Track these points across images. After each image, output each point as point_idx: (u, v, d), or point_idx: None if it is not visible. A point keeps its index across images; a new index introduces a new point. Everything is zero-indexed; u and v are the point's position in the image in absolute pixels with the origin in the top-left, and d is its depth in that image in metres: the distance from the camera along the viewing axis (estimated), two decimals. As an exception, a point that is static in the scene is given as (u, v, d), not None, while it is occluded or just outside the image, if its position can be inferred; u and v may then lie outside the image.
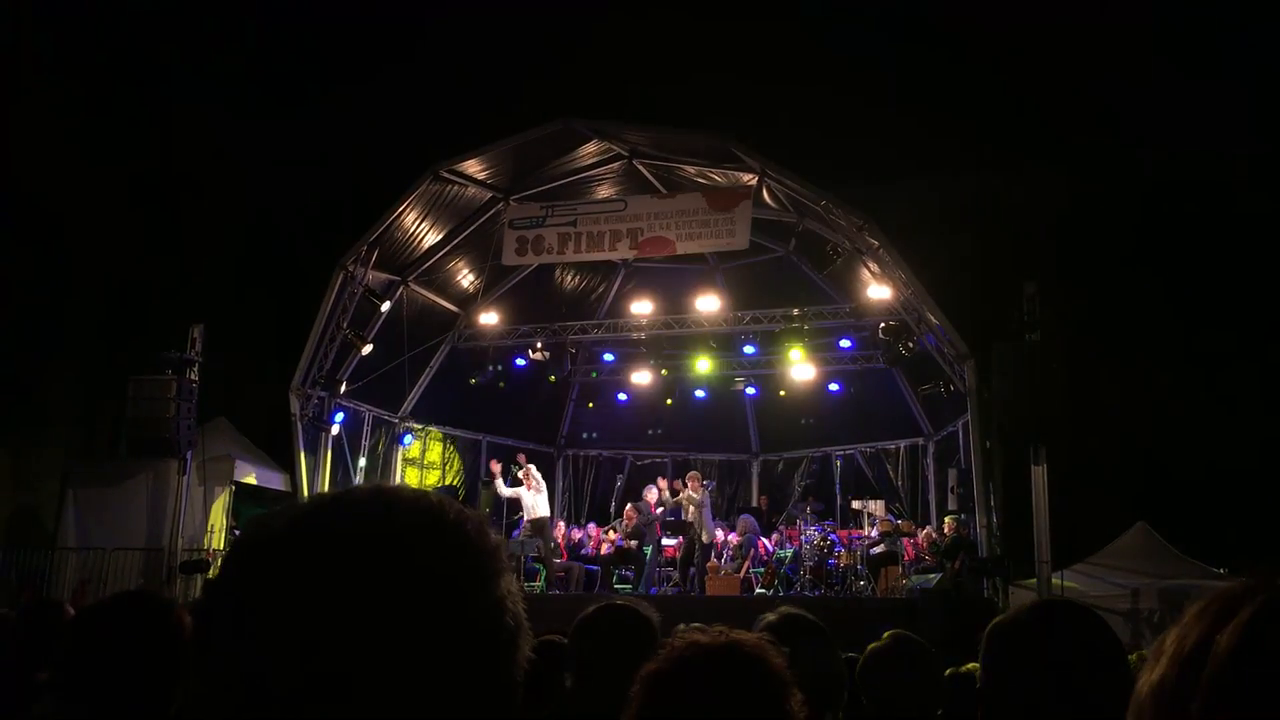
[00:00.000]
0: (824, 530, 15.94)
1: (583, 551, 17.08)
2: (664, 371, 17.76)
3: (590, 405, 20.50)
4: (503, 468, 16.61)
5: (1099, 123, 27.01)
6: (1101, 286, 21.98)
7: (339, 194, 23.28)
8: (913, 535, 15.80)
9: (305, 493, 15.66)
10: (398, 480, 17.76)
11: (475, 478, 19.43)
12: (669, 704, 1.69)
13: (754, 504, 19.56)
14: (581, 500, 20.79)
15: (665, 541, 16.65)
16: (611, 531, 16.77)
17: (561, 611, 6.92)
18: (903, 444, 18.86)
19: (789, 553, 16.15)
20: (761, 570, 15.96)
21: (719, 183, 16.01)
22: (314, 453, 16.35)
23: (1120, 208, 23.26)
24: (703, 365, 17.75)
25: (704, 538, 15.53)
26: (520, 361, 17.96)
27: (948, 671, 4.06)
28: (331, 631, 0.87)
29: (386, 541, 0.92)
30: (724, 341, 17.89)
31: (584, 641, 2.90)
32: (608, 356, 19.41)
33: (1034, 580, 12.65)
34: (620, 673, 1.84)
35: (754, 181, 15.48)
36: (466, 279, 18.21)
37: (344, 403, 16.81)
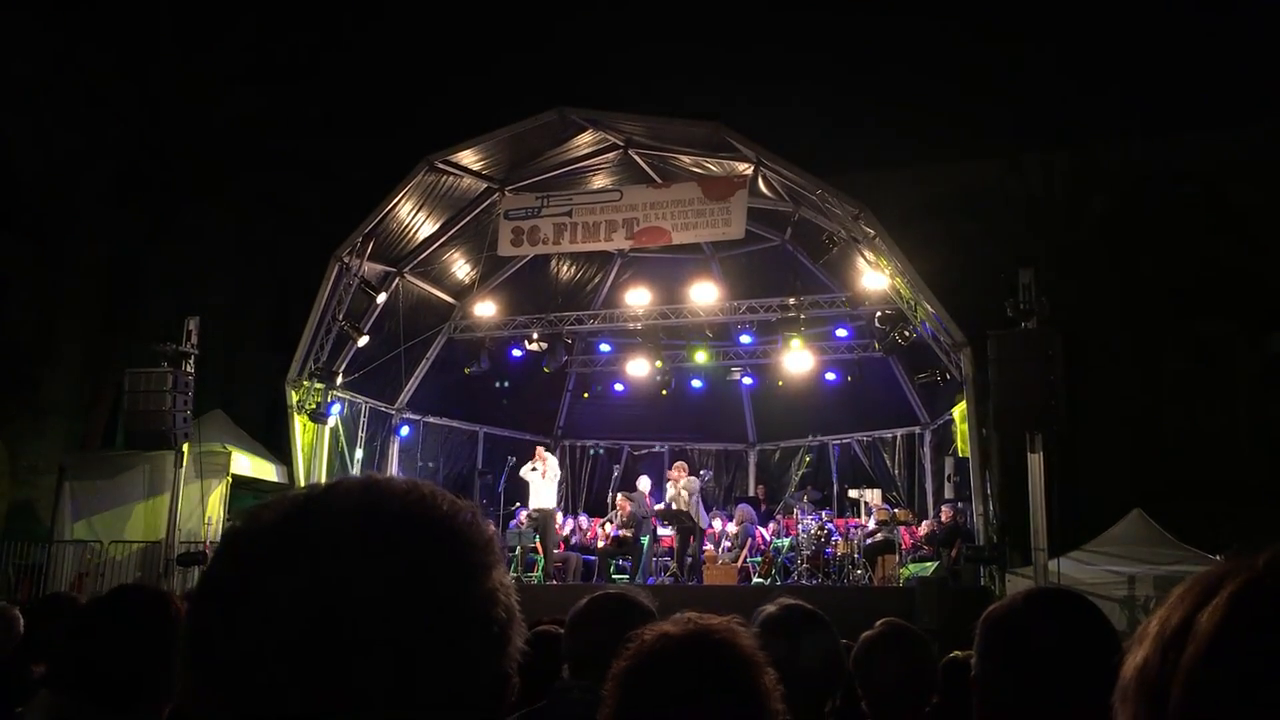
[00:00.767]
0: (821, 519, 15.95)
1: (574, 541, 17.10)
2: (658, 363, 17.74)
3: (586, 395, 20.49)
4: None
5: (1094, 111, 27.01)
6: (1098, 274, 22.00)
7: (334, 185, 23.25)
8: (909, 524, 15.82)
9: (301, 484, 15.65)
10: (393, 471, 17.78)
11: (472, 468, 19.43)
12: (645, 699, 1.68)
13: (751, 493, 19.58)
14: (579, 490, 20.80)
15: (662, 531, 16.68)
16: (608, 524, 16.78)
17: (558, 602, 6.93)
18: (899, 433, 18.88)
19: (786, 542, 16.16)
20: (759, 560, 15.97)
21: (714, 172, 15.98)
22: (310, 445, 16.32)
23: (1116, 196, 23.26)
24: (699, 355, 17.75)
25: (700, 524, 15.56)
26: (516, 352, 17.95)
27: (944, 659, 4.07)
28: (323, 623, 0.87)
29: (378, 533, 0.92)
30: (720, 331, 17.86)
31: (580, 631, 2.90)
32: (604, 347, 19.40)
33: (1030, 568, 12.67)
34: (604, 655, 1.83)
35: (749, 171, 15.46)
36: (462, 270, 18.19)
37: (340, 394, 16.80)
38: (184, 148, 22.99)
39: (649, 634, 1.75)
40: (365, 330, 16.55)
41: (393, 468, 18.14)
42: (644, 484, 17.19)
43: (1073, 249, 22.23)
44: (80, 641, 2.29)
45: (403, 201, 16.05)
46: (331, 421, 16.56)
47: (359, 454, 17.45)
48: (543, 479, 16.00)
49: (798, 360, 17.06)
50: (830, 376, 18.16)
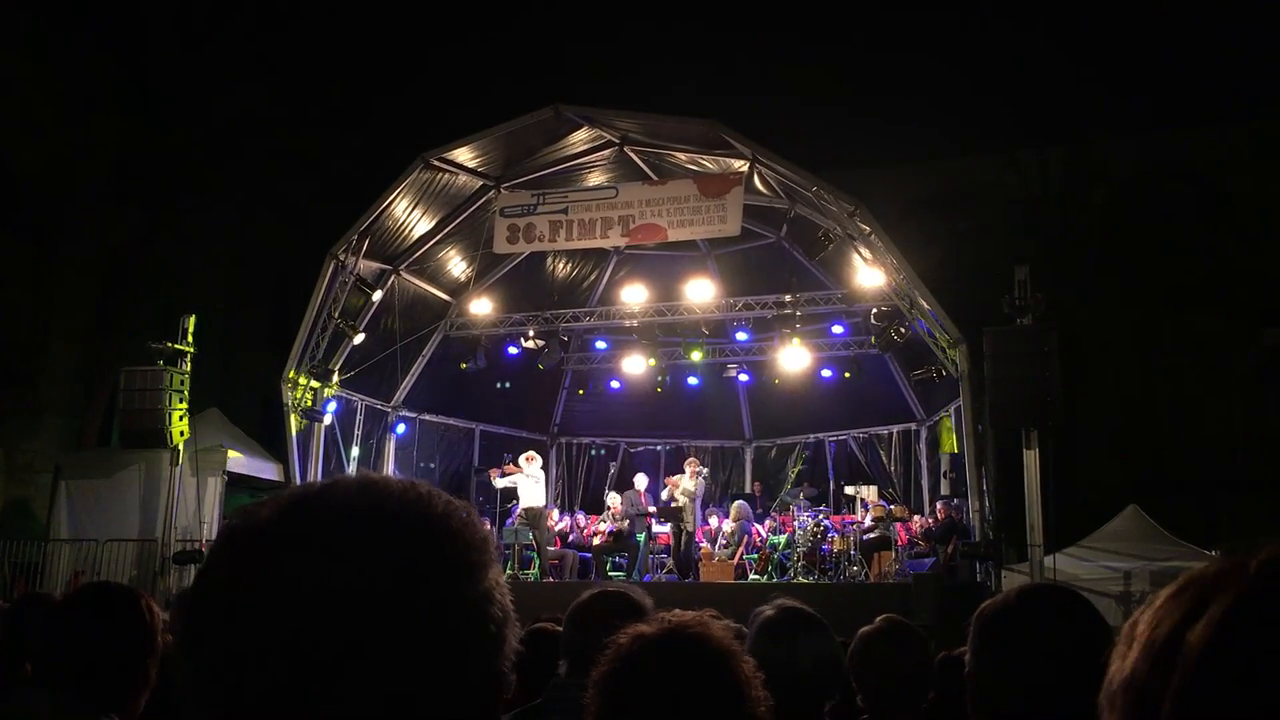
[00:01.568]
0: (817, 516, 15.97)
1: (571, 539, 17.10)
2: (651, 362, 17.74)
3: (581, 393, 20.49)
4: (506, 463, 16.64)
5: (1090, 106, 27.02)
6: (1093, 270, 22.03)
7: (330, 183, 23.23)
8: (906, 520, 15.84)
9: (297, 483, 15.63)
10: (390, 471, 17.78)
11: (468, 466, 19.43)
12: (626, 700, 1.70)
13: (748, 490, 19.60)
14: (575, 488, 20.80)
15: (658, 529, 16.69)
16: (603, 523, 16.78)
17: (555, 599, 6.93)
18: (895, 429, 18.90)
19: (783, 539, 16.18)
20: (755, 556, 15.99)
21: (710, 169, 15.98)
22: (306, 443, 16.31)
23: (1112, 191, 23.28)
24: (695, 355, 17.75)
25: (688, 526, 15.58)
26: (512, 350, 17.94)
27: (940, 655, 4.07)
28: (318, 622, 0.87)
29: (373, 532, 0.92)
30: (717, 328, 17.87)
31: (577, 628, 2.90)
32: (600, 344, 19.40)
33: (1026, 564, 12.70)
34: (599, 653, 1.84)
35: (745, 168, 15.45)
36: (458, 267, 18.18)
37: (336, 392, 16.78)
38: (179, 145, 22.95)
39: (624, 637, 1.77)
40: (361, 328, 16.53)
41: (389, 466, 18.13)
42: (641, 481, 17.19)
43: (1068, 245, 22.26)
44: (55, 638, 2.35)
45: (398, 199, 16.03)
46: (327, 419, 16.55)
47: (355, 451, 17.45)
48: (525, 479, 15.88)
49: (794, 357, 17.06)
50: (826, 373, 18.17)
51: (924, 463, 18.14)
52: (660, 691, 1.69)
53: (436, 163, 15.81)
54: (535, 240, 16.10)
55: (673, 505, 15.73)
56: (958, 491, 15.38)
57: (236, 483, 17.17)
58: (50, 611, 2.66)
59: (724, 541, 16.17)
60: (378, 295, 16.79)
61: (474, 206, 16.98)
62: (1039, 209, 23.59)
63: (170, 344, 15.35)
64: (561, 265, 19.07)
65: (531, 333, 17.42)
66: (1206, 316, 21.57)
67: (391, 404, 18.41)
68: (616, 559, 16.23)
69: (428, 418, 19.20)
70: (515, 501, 16.44)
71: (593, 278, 19.69)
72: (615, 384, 19.67)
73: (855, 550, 15.19)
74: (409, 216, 16.60)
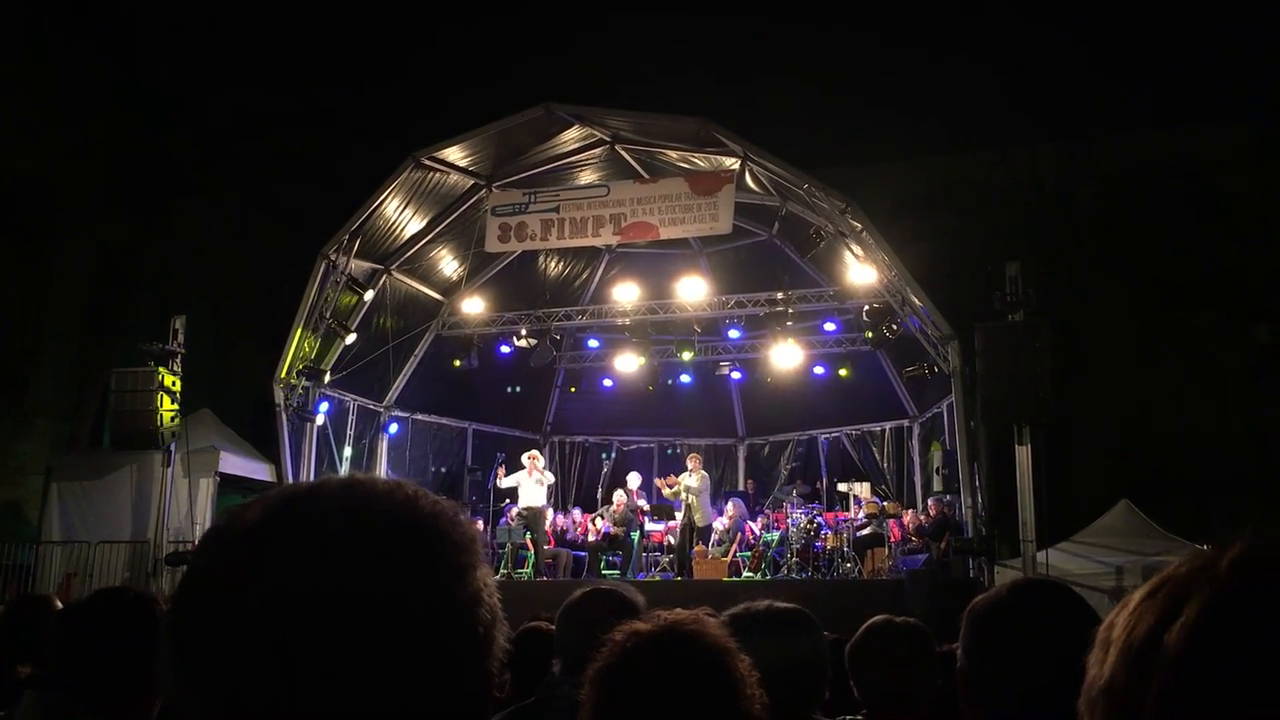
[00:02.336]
0: (810, 513, 15.99)
1: (568, 537, 17.10)
2: (642, 361, 17.72)
3: (574, 390, 20.48)
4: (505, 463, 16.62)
5: (1081, 104, 27.07)
6: (1085, 267, 22.08)
7: (320, 183, 23.19)
8: (899, 517, 15.86)
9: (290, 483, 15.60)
10: (383, 471, 17.75)
11: (461, 465, 19.41)
12: (621, 697, 1.70)
13: (741, 488, 19.60)
14: (568, 486, 20.78)
15: (651, 527, 16.69)
16: (599, 519, 16.78)
17: (549, 598, 6.93)
18: (888, 426, 18.91)
19: (776, 536, 16.19)
20: (749, 554, 16.00)
21: (701, 167, 15.97)
22: (298, 443, 16.28)
23: (1103, 188, 23.33)
24: (685, 354, 17.75)
25: (698, 519, 15.55)
26: (505, 349, 17.92)
27: (942, 649, 4.06)
28: (305, 626, 0.86)
29: (359, 534, 0.91)
30: (709, 326, 17.88)
31: (569, 627, 2.90)
32: (593, 343, 19.39)
33: (1019, 560, 12.72)
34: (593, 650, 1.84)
35: (736, 165, 15.45)
36: (449, 267, 18.15)
37: (328, 392, 16.75)
38: (170, 147, 22.90)
39: (620, 633, 1.77)
40: (353, 328, 16.50)
41: (382, 466, 18.09)
42: (634, 479, 17.19)
43: (1060, 241, 22.31)
44: (68, 643, 2.32)
45: (389, 198, 16.00)
46: (319, 419, 16.51)
47: (347, 452, 17.41)
48: (529, 477, 15.92)
49: (786, 354, 17.08)
50: (819, 370, 18.18)
51: (917, 459, 18.16)
52: (655, 688, 1.69)
53: (427, 162, 15.78)
54: (527, 239, 16.08)
55: (680, 501, 15.73)
56: (950, 488, 15.39)
57: (229, 484, 17.14)
58: (63, 615, 2.64)
59: (718, 539, 16.18)
60: (369, 295, 16.77)
61: (465, 206, 16.96)
62: (1031, 206, 23.64)
63: (161, 345, 15.31)
64: (553, 264, 19.06)
65: (524, 332, 17.39)
66: (1200, 313, 21.63)
67: (384, 404, 18.38)
68: (610, 557, 16.23)
69: (420, 417, 19.17)
70: (509, 501, 16.42)
71: (585, 276, 19.68)
72: (608, 382, 19.67)
73: (848, 547, 15.21)
74: (400, 216, 16.57)
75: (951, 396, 14.96)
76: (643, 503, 16.94)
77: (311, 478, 14.76)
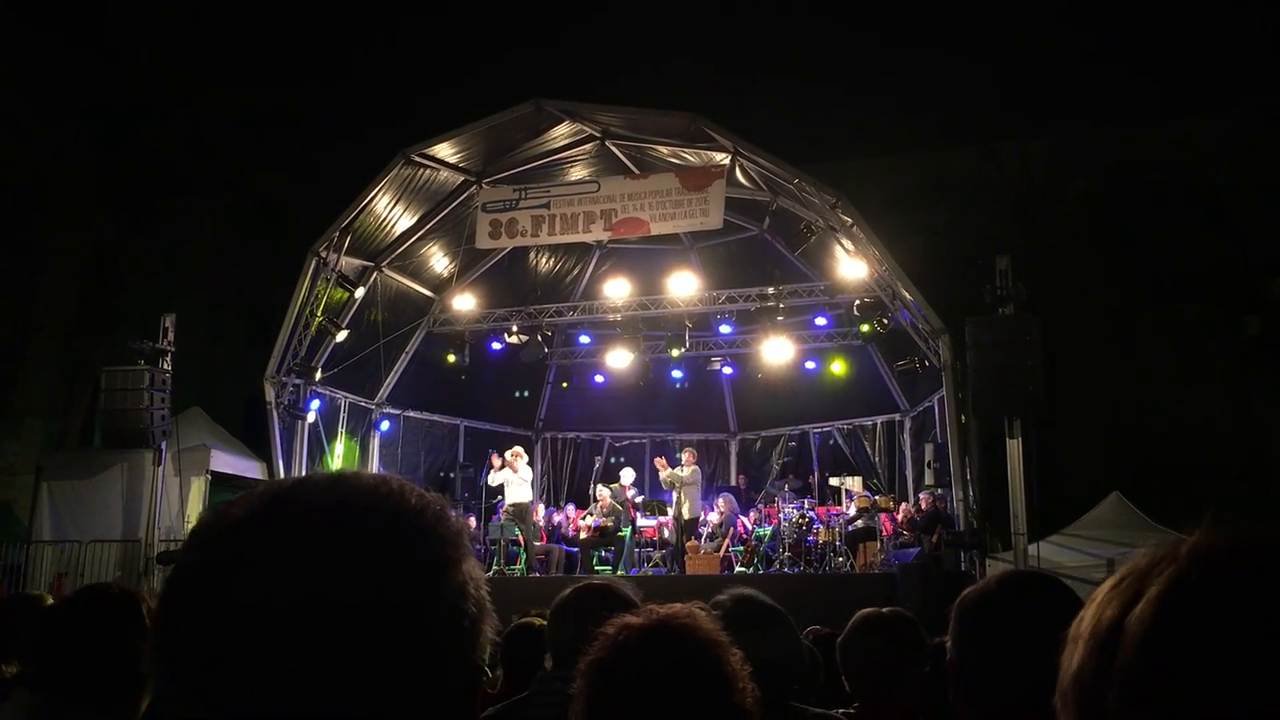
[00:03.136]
0: (802, 507, 16.02)
1: (557, 534, 17.10)
2: (633, 357, 17.73)
3: (565, 385, 20.48)
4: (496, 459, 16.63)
5: (1069, 98, 27.11)
6: (1075, 260, 22.12)
7: (310, 180, 23.14)
8: (890, 510, 15.89)
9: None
10: (374, 466, 17.73)
11: (453, 462, 19.39)
12: (615, 688, 1.70)
13: (733, 483, 19.63)
14: (560, 482, 20.78)
15: (643, 522, 16.70)
16: (590, 516, 16.79)
17: (540, 594, 6.93)
18: (879, 420, 18.94)
19: (768, 530, 16.21)
20: (741, 549, 16.02)
21: (692, 163, 15.97)
22: (290, 441, 16.25)
23: (1093, 181, 23.38)
24: (674, 351, 17.76)
25: (686, 511, 15.57)
26: (496, 345, 17.91)
27: (934, 641, 4.07)
28: (291, 620, 0.86)
29: (346, 528, 0.91)
30: (700, 321, 17.89)
31: (562, 621, 2.90)
32: (584, 339, 19.39)
33: (1011, 553, 12.75)
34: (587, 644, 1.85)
35: (727, 161, 15.45)
36: (440, 263, 18.12)
37: (320, 390, 16.72)
38: (159, 146, 22.82)
39: (612, 626, 1.78)
40: (344, 325, 16.47)
41: (374, 463, 18.07)
42: (627, 475, 17.20)
43: (1050, 235, 22.34)
44: (54, 640, 2.31)
45: (380, 195, 15.96)
46: (311, 417, 16.49)
47: (339, 449, 17.39)
48: (514, 475, 15.94)
49: (777, 349, 17.10)
50: (810, 365, 18.20)
51: (908, 453, 18.20)
52: (648, 680, 1.70)
53: (417, 158, 15.75)
54: (517, 235, 16.07)
55: (671, 494, 15.75)
56: (942, 481, 15.42)
57: (220, 482, 17.09)
58: (48, 613, 2.64)
59: (710, 533, 16.20)
60: (360, 292, 16.74)
61: (455, 202, 16.93)
62: (1020, 199, 23.67)
63: (151, 343, 15.27)
64: (544, 260, 19.05)
65: (515, 328, 17.38)
66: (1188, 305, 21.68)
67: (375, 401, 18.35)
68: (603, 553, 16.24)
69: (412, 414, 19.15)
70: (501, 498, 16.43)
71: (575, 272, 19.68)
72: (599, 378, 19.67)
73: (840, 541, 15.24)
74: (390, 213, 16.53)
75: (942, 390, 14.99)
76: (637, 497, 16.95)
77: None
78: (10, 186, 21.60)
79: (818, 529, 15.67)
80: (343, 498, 0.94)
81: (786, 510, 15.86)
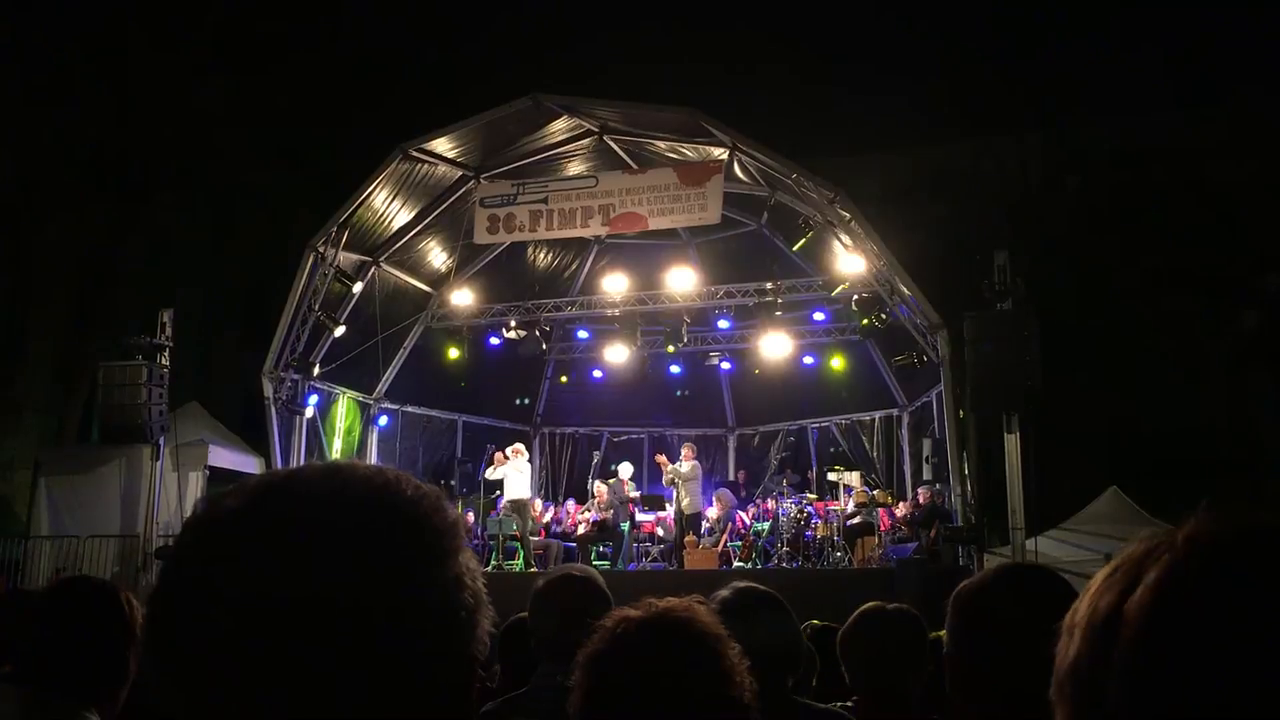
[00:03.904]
0: (801, 502, 16.02)
1: (556, 529, 17.11)
2: (629, 352, 17.72)
3: (564, 380, 20.48)
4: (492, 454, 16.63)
5: (1066, 93, 27.10)
6: (1072, 254, 22.12)
7: (308, 175, 23.11)
8: (888, 505, 15.90)
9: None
10: (373, 461, 17.70)
11: (451, 457, 19.39)
12: (613, 680, 1.71)
13: (731, 478, 19.63)
14: (559, 477, 20.78)
15: (642, 517, 16.70)
16: (588, 511, 16.80)
17: (539, 589, 6.93)
18: (877, 415, 18.95)
19: (766, 525, 16.22)
20: (740, 544, 16.02)
21: (690, 158, 15.96)
22: (288, 436, 16.25)
23: (1089, 176, 23.38)
24: (677, 341, 17.75)
25: (686, 507, 15.56)
26: (494, 340, 17.90)
27: (933, 636, 4.07)
28: (286, 611, 0.86)
29: (341, 520, 0.91)
30: (698, 316, 17.88)
31: (538, 616, 2.95)
32: (582, 334, 19.38)
33: (1009, 547, 12.77)
34: (574, 637, 1.86)
35: (725, 156, 15.43)
36: (438, 259, 18.10)
37: (318, 385, 16.72)
38: (155, 139, 22.78)
39: (611, 619, 1.78)
40: (341, 320, 16.46)
41: (372, 458, 18.06)
42: (625, 470, 17.20)
43: (1047, 229, 22.34)
44: (30, 633, 2.33)
45: (377, 190, 15.95)
46: (309, 412, 16.48)
47: (337, 444, 17.39)
48: (513, 470, 15.95)
49: (776, 344, 17.10)
50: (808, 360, 18.20)
51: (906, 448, 18.19)
52: (647, 674, 1.70)
53: (415, 153, 15.73)
54: (515, 230, 16.06)
55: (671, 490, 15.74)
56: (940, 476, 15.43)
57: (218, 477, 17.08)
58: (28, 606, 2.65)
59: (708, 529, 16.20)
60: (358, 287, 16.72)
61: (453, 197, 16.91)
62: (1018, 194, 23.67)
63: (149, 338, 15.25)
64: (542, 255, 19.05)
65: (513, 323, 17.37)
66: (1187, 300, 21.71)
67: (373, 396, 18.35)
68: (601, 548, 16.24)
69: (410, 409, 19.14)
70: (500, 493, 16.44)
71: (574, 267, 19.67)
72: (598, 373, 19.67)
73: (839, 536, 15.24)
74: (388, 208, 16.51)
75: (941, 385, 14.99)
76: (634, 492, 16.95)
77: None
78: (5, 181, 21.57)
79: (816, 524, 15.68)
80: (338, 488, 0.94)
81: (784, 505, 15.87)
